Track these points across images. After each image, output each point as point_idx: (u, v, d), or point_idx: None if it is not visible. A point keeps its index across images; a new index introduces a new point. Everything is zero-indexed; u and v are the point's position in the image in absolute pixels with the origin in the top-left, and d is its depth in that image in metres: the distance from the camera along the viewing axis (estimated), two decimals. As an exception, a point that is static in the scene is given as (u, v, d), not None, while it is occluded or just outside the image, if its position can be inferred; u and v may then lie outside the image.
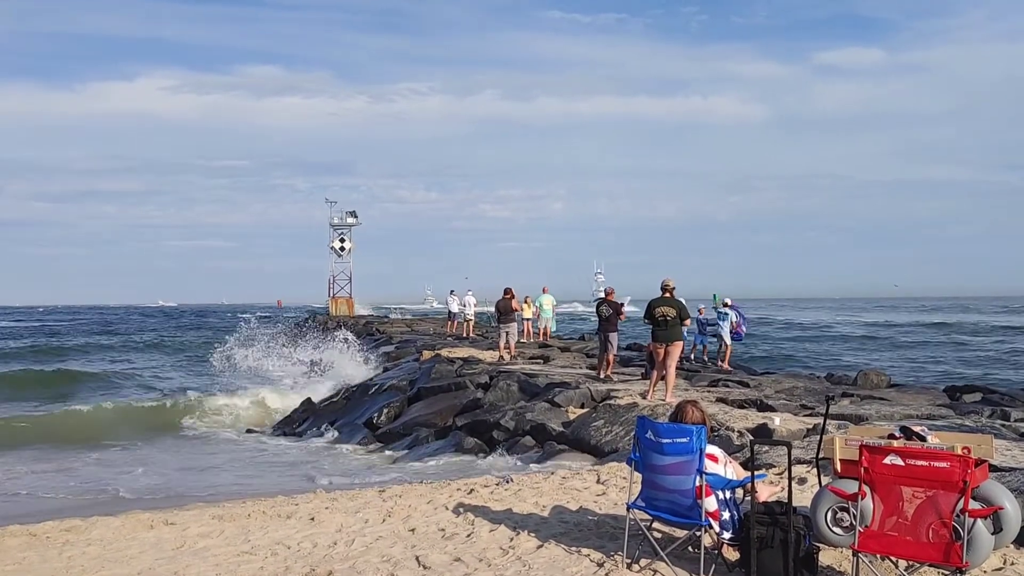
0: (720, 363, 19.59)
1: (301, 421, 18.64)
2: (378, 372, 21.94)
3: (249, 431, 18.03)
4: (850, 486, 4.98)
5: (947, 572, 4.91)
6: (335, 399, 19.93)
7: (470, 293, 32.89)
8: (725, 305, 20.04)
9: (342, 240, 68.53)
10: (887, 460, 4.81)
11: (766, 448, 9.17)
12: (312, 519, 7.46)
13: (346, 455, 14.31)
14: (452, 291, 36.16)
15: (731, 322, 19.58)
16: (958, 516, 4.59)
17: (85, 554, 6.65)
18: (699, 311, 20.83)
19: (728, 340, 19.60)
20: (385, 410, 16.78)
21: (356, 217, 69.36)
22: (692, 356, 20.97)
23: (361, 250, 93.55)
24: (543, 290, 28.33)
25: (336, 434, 16.44)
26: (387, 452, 14.27)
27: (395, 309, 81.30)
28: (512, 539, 6.45)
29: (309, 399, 20.40)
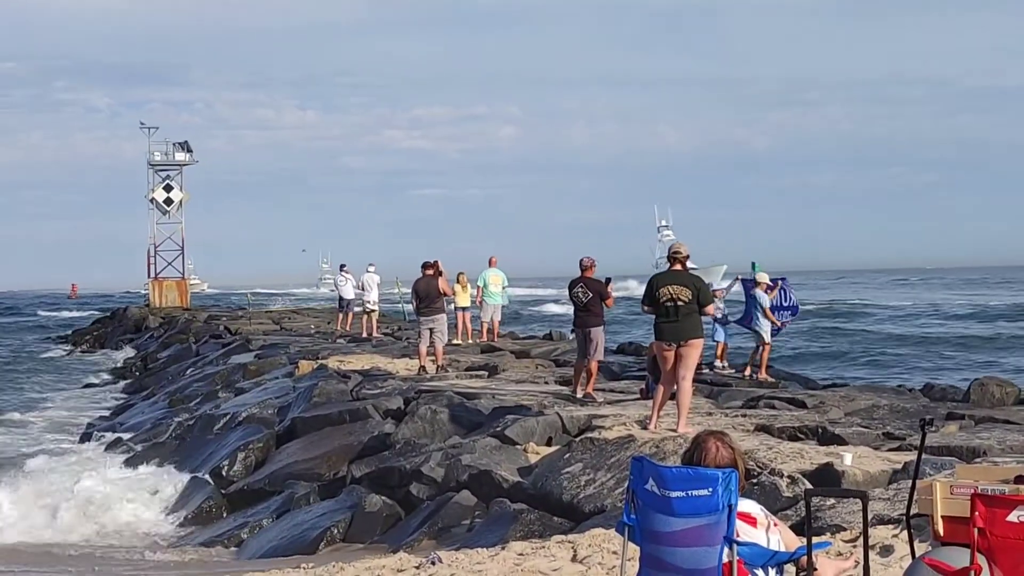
0: (757, 371, 19.83)
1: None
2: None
3: None
4: (958, 557, 5.05)
5: None
6: (161, 439, 19.76)
7: (372, 269, 32.81)
8: (757, 284, 20.23)
9: (168, 188, 67.63)
10: (1014, 516, 4.88)
11: (831, 501, 9.25)
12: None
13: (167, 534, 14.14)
14: (343, 266, 36.00)
15: (764, 309, 19.79)
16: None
17: None
18: (714, 293, 21.00)
19: (767, 335, 19.86)
20: (241, 455, 16.69)
21: (190, 152, 68.39)
22: (720, 361, 21.18)
23: (201, 204, 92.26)
24: (489, 262, 28.36)
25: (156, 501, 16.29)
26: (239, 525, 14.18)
27: (251, 295, 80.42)
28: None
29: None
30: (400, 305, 37.92)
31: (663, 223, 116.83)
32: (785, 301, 20.68)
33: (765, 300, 19.97)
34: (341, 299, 35.25)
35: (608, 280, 16.80)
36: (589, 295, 16.04)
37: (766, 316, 19.82)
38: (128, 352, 48.05)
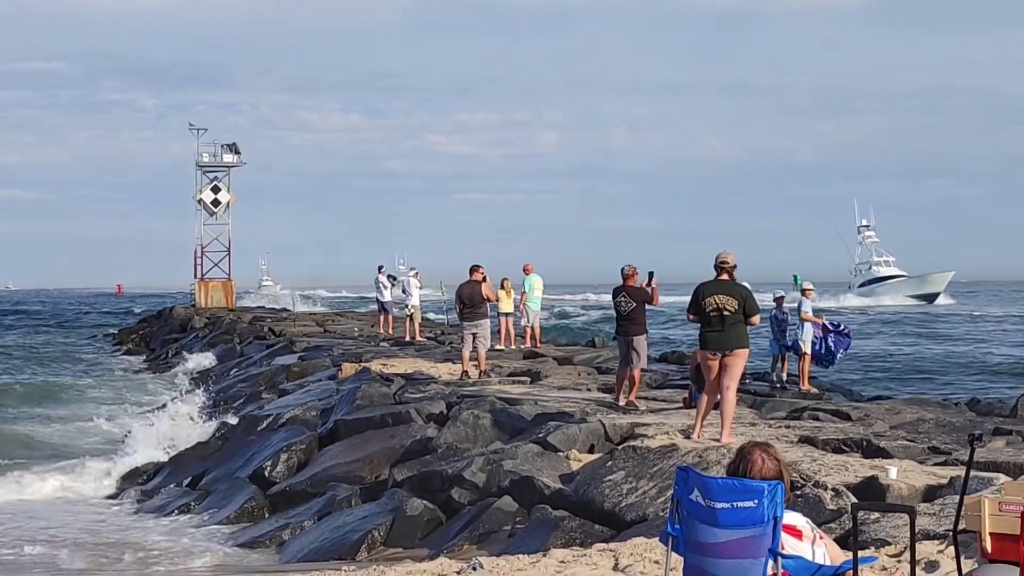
0: (800, 382, 19.73)
1: (151, 475, 18.56)
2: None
3: None
4: (1006, 575, 5.00)
5: None
6: (205, 439, 19.88)
7: (413, 273, 33.00)
8: (805, 292, 20.19)
9: (215, 190, 68.03)
10: (1064, 535, 4.82)
11: (876, 515, 9.18)
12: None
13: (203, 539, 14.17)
14: (381, 267, 36.10)
15: (802, 312, 19.72)
16: None
17: None
18: (776, 301, 20.94)
19: (807, 345, 19.75)
20: (283, 456, 16.74)
21: (238, 153, 68.77)
22: (774, 374, 21.09)
23: (246, 205, 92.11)
24: (524, 270, 28.30)
25: (198, 501, 16.39)
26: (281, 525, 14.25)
27: (296, 295, 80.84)
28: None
29: None
30: (444, 310, 37.99)
31: (864, 223, 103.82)
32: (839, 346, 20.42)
33: (807, 305, 19.90)
34: (379, 301, 35.60)
35: (650, 275, 16.68)
36: (632, 304, 16.03)
37: (806, 320, 19.73)
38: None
